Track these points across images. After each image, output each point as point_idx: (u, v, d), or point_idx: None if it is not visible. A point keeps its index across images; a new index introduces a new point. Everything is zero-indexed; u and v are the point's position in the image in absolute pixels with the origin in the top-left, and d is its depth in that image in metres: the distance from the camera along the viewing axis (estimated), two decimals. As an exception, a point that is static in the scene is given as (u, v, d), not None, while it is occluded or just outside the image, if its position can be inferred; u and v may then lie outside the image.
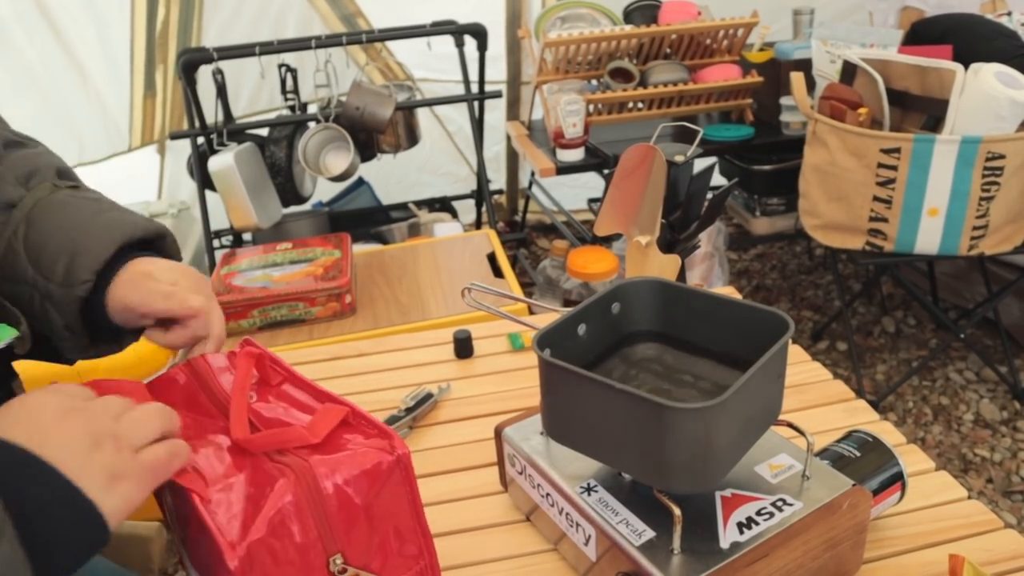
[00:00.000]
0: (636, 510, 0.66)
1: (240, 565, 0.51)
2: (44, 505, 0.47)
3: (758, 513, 0.65)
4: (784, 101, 2.35)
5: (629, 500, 0.68)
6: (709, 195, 1.13)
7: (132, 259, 0.70)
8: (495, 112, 2.94)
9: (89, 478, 0.48)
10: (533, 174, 2.67)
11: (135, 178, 2.80)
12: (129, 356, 0.81)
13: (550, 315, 0.85)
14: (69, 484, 0.47)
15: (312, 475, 0.53)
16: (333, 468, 0.54)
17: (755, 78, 2.36)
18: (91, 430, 0.50)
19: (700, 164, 1.07)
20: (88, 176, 0.78)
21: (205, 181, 2.19)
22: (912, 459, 0.83)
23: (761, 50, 2.45)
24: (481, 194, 2.57)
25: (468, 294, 0.88)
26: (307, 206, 2.57)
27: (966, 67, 1.79)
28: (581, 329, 0.72)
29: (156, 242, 0.74)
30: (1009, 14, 2.21)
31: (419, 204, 2.78)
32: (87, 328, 0.70)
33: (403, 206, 2.80)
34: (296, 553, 0.53)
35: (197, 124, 2.22)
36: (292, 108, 2.35)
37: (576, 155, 2.26)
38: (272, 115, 2.49)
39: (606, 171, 2.24)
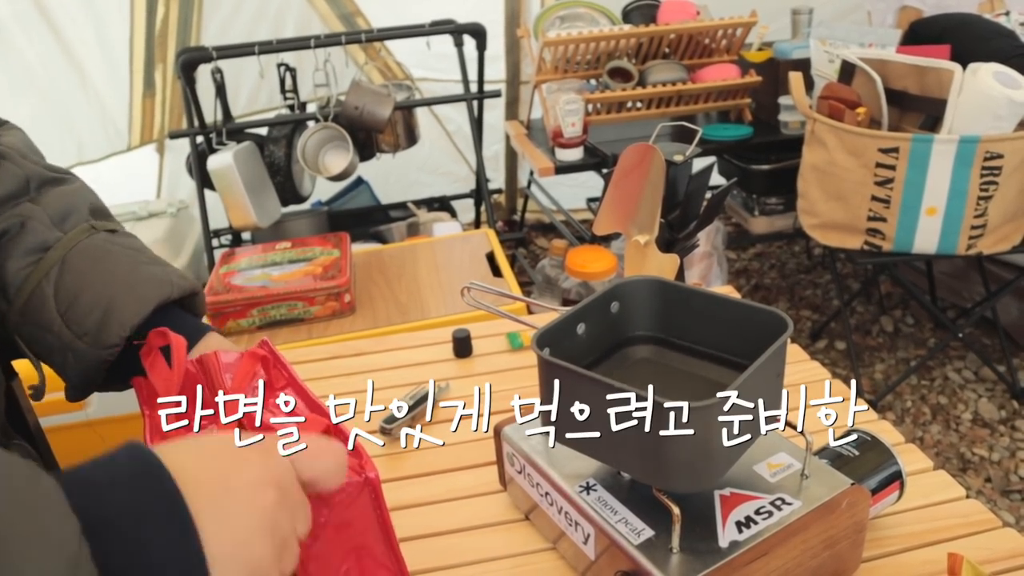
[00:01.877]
0: (635, 509, 0.66)
1: None
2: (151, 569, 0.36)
3: (757, 512, 0.65)
4: (783, 101, 2.35)
5: (628, 499, 0.68)
6: (708, 194, 1.13)
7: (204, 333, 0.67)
8: (494, 111, 2.94)
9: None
10: (532, 173, 2.67)
11: (134, 177, 2.80)
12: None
13: (549, 314, 0.85)
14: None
15: None
16: None
17: (754, 78, 2.37)
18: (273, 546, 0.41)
19: (699, 163, 1.07)
20: (87, 175, 0.77)
21: (204, 180, 2.19)
22: (911, 458, 0.83)
23: (760, 50, 2.45)
24: (480, 193, 2.57)
25: (467, 293, 0.88)
26: (306, 205, 2.57)
27: (964, 67, 1.80)
28: (580, 328, 0.72)
29: (187, 300, 0.71)
30: (1007, 14, 2.21)
31: (418, 203, 2.78)
32: (100, 383, 0.67)
33: (402, 205, 2.80)
34: None
35: (196, 123, 2.22)
36: (291, 107, 2.35)
37: (575, 154, 2.26)
38: (271, 114, 2.48)
39: (605, 170, 2.24)
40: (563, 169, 2.25)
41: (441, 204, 2.83)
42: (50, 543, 0.32)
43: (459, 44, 2.32)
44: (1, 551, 0.30)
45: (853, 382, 0.76)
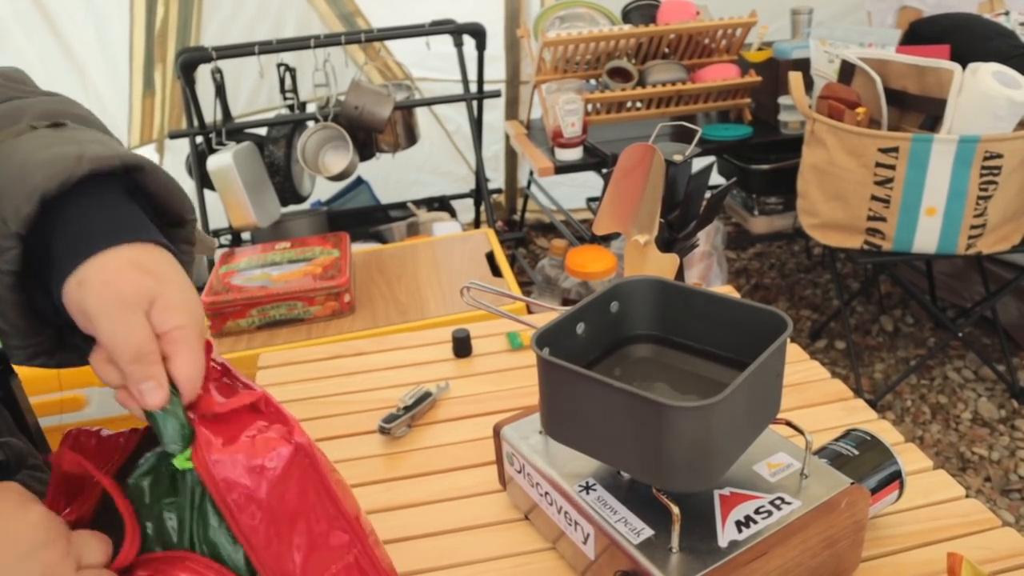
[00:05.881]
0: (635, 509, 0.66)
1: None
2: None
3: (756, 512, 0.65)
4: (782, 100, 2.36)
5: (628, 499, 0.68)
6: (708, 194, 1.13)
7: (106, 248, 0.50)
8: (494, 111, 2.94)
9: None
10: (532, 173, 2.67)
11: (134, 177, 2.80)
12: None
13: (549, 314, 0.85)
14: None
15: (210, 475, 0.49)
16: (233, 462, 0.50)
17: (753, 78, 2.37)
18: None
19: (699, 163, 1.07)
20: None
21: (204, 180, 2.19)
22: (910, 458, 0.83)
23: (760, 49, 2.45)
24: (480, 193, 2.57)
25: (467, 293, 0.88)
26: (306, 205, 2.57)
27: (964, 67, 1.80)
28: (580, 328, 0.72)
29: (134, 176, 0.56)
30: (1007, 14, 2.21)
31: (418, 203, 2.79)
32: (29, 322, 0.53)
33: (402, 205, 2.80)
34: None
35: (196, 123, 2.22)
36: (291, 107, 2.35)
37: (575, 154, 2.26)
38: (271, 114, 2.48)
39: (605, 170, 2.24)
40: (563, 169, 2.25)
41: (441, 204, 2.83)
42: None
43: (459, 44, 2.32)
44: None
45: (853, 382, 0.76)
